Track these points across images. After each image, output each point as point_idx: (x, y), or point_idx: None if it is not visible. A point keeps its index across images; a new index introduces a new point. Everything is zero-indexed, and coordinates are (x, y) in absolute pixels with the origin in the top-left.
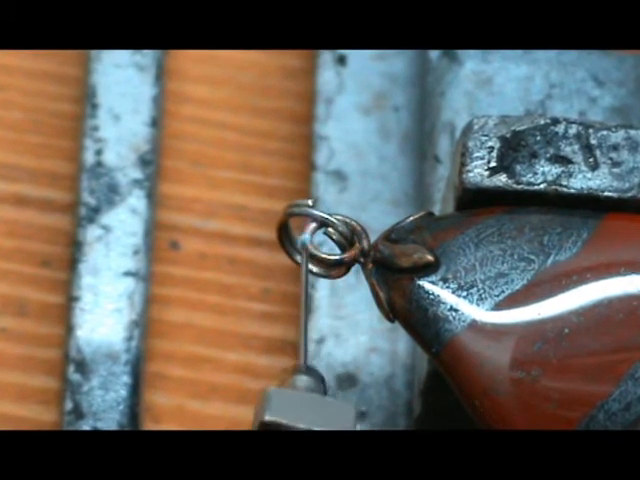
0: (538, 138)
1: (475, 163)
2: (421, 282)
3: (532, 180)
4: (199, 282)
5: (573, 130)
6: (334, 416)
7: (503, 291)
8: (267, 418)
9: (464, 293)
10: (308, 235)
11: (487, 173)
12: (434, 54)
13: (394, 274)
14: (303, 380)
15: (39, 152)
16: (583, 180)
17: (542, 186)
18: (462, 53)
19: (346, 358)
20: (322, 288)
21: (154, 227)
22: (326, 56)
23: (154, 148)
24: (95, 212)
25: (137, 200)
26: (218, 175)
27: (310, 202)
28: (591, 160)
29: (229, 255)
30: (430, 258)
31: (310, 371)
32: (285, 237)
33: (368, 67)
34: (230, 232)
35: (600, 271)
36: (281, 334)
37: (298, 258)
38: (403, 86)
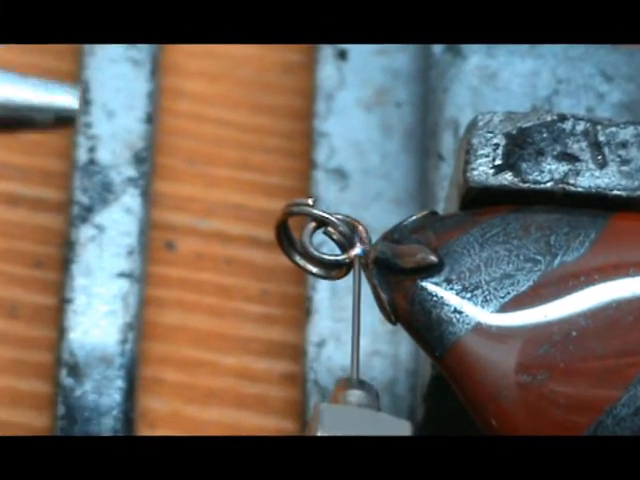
0: (545, 135)
1: (480, 161)
2: (424, 283)
3: (538, 178)
4: (195, 283)
5: (581, 127)
6: (388, 432)
7: (509, 292)
8: (320, 435)
9: (468, 295)
10: (361, 249)
11: (492, 171)
12: (437, 49)
13: (396, 275)
14: (356, 395)
15: (31, 149)
16: (591, 178)
17: (549, 184)
18: (466, 47)
19: (347, 362)
20: (322, 290)
21: (149, 227)
22: (326, 51)
23: (149, 145)
24: (88, 211)
25: (131, 199)
26: (215, 173)
27: (310, 201)
28: (599, 158)
29: (226, 255)
30: (433, 259)
31: (363, 385)
32: (284, 237)
33: (369, 62)
34: (228, 232)
35: (608, 272)
36: (280, 337)
37: (297, 258)
38: (405, 82)
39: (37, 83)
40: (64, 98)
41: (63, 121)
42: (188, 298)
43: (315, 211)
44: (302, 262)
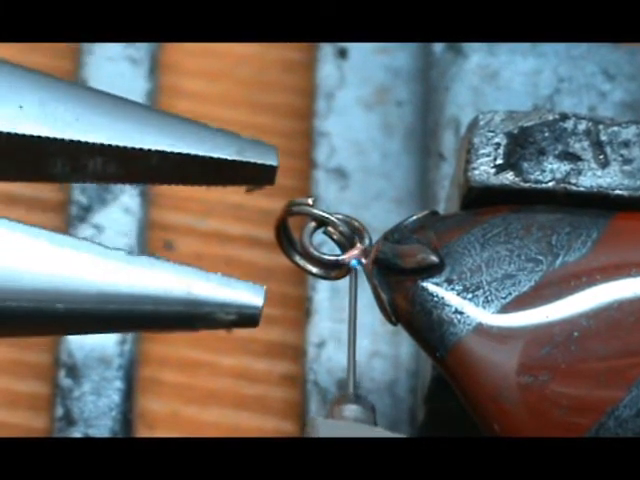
0: (546, 134)
1: (481, 160)
2: (425, 284)
3: (540, 178)
4: None
5: (582, 126)
6: None
7: (510, 293)
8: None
9: (470, 295)
10: (356, 259)
11: (493, 171)
12: (438, 47)
13: (397, 275)
14: (352, 410)
15: None
16: (593, 178)
17: (550, 184)
18: (467, 46)
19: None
20: (322, 290)
21: (148, 226)
22: (327, 49)
23: None
24: (87, 211)
25: (130, 198)
26: None
27: (310, 201)
28: (601, 157)
29: (226, 256)
30: (434, 259)
31: (360, 400)
32: (284, 237)
33: (370, 60)
34: (227, 232)
35: (610, 272)
36: (280, 337)
37: (297, 258)
38: (406, 80)
39: (221, 279)
40: (248, 296)
41: (245, 320)
42: None
43: (315, 211)
44: (302, 262)
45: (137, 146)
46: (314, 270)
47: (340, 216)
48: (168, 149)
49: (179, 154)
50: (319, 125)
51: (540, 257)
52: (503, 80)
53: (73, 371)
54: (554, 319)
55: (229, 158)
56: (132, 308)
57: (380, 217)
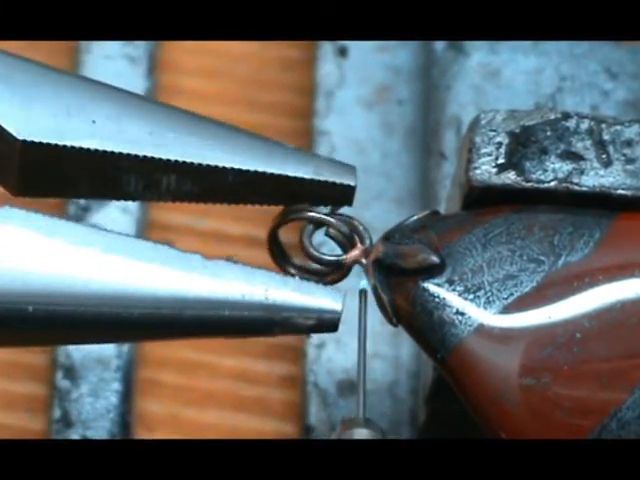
0: (548, 133)
1: (482, 159)
2: (426, 284)
3: (542, 177)
4: None
5: (585, 125)
6: None
7: (512, 294)
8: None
9: (471, 296)
10: (365, 281)
11: (495, 170)
12: (439, 45)
13: (397, 276)
14: (362, 434)
15: None
16: (595, 177)
17: (552, 184)
18: (469, 44)
19: (347, 364)
20: None
21: (146, 226)
22: (326, 47)
23: None
24: (85, 211)
25: None
26: None
27: (307, 205)
28: (604, 156)
29: (225, 256)
30: (435, 259)
31: (369, 424)
32: (274, 246)
33: (370, 59)
34: (226, 231)
35: (613, 273)
36: (279, 338)
37: (289, 268)
38: (407, 79)
39: (299, 284)
40: (327, 301)
41: (325, 325)
42: None
43: (313, 214)
44: (293, 270)
45: (212, 163)
46: (314, 269)
47: (340, 216)
48: (244, 167)
49: (255, 172)
50: (319, 124)
51: (542, 257)
52: (505, 79)
53: (71, 372)
54: (556, 320)
55: (306, 177)
56: (208, 313)
57: (380, 217)
